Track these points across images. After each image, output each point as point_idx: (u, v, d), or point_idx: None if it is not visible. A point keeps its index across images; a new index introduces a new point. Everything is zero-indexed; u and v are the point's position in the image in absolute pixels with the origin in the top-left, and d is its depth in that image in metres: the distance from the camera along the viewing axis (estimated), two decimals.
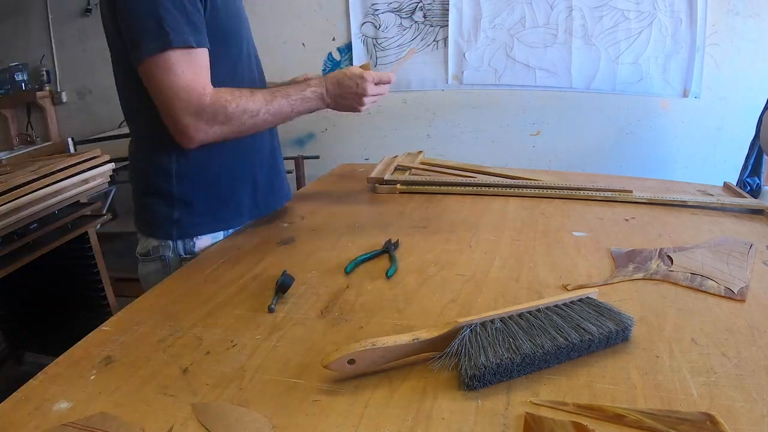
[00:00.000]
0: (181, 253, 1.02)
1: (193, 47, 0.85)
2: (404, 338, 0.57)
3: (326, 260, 0.91)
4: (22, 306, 1.95)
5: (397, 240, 0.96)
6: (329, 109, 1.02)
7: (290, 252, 0.96)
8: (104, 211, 2.21)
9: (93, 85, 3.07)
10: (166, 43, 0.83)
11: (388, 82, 1.04)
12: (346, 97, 1.00)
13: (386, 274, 0.84)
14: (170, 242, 1.02)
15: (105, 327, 0.71)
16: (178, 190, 1.00)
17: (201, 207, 1.02)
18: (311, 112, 1.01)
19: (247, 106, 0.91)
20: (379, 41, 2.63)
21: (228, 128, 0.91)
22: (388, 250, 0.92)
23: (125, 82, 0.96)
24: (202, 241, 1.03)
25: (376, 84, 1.01)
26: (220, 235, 1.05)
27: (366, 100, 1.01)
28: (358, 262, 0.88)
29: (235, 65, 1.00)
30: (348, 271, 0.85)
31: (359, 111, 1.03)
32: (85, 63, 3.04)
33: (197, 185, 1.01)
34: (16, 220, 1.47)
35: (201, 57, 0.88)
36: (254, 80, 1.07)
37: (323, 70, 2.74)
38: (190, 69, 0.86)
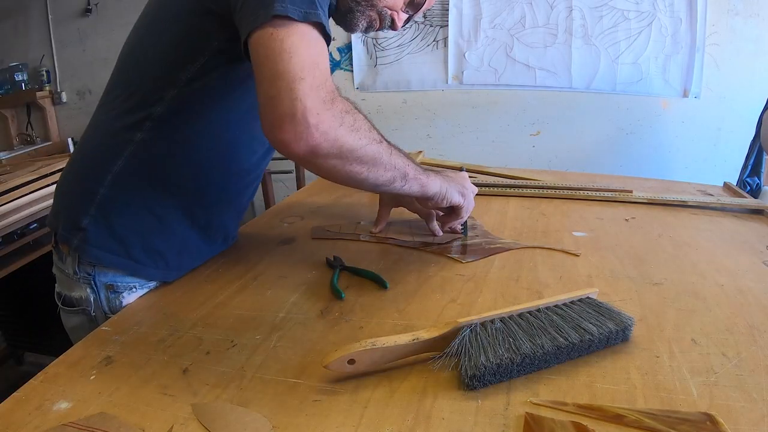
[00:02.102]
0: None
1: (324, 32, 0.67)
2: (404, 338, 0.57)
3: (326, 260, 0.91)
4: (22, 306, 1.95)
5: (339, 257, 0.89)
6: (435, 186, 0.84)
7: (290, 252, 0.96)
8: None
9: (93, 85, 3.08)
10: (313, 17, 0.65)
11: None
12: (451, 179, 0.88)
13: (384, 287, 0.80)
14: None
15: (105, 327, 0.72)
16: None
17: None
18: (420, 186, 0.81)
19: (372, 126, 0.72)
20: (379, 41, 2.63)
21: (354, 141, 0.67)
22: (334, 267, 0.85)
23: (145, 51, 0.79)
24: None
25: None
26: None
27: (467, 189, 0.90)
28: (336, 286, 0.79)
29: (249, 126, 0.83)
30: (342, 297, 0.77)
31: (460, 199, 0.89)
32: (85, 63, 3.04)
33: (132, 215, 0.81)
34: (16, 220, 1.48)
35: (327, 51, 0.69)
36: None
37: None
38: (324, 58, 0.67)
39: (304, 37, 0.64)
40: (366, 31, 0.84)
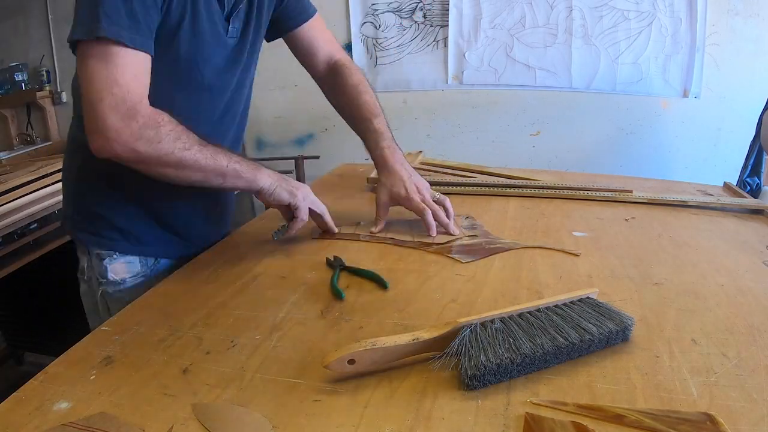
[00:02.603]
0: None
1: (135, 48, 0.73)
2: (404, 338, 0.57)
3: (326, 260, 0.91)
4: (22, 306, 1.96)
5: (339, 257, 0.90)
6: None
7: (290, 252, 0.96)
8: None
9: None
10: (96, 30, 0.70)
11: (319, 215, 0.98)
12: (286, 180, 0.93)
13: (385, 287, 0.80)
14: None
15: (105, 327, 0.71)
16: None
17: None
18: (246, 182, 0.87)
19: (182, 136, 0.78)
20: (379, 41, 2.63)
21: (153, 151, 0.76)
22: (334, 267, 0.86)
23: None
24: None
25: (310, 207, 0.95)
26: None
27: (302, 191, 0.93)
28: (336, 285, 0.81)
29: (190, 104, 0.90)
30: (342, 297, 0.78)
31: (289, 198, 0.92)
32: None
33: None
34: (16, 220, 1.48)
35: (143, 61, 0.76)
36: (221, 133, 0.97)
37: None
38: (130, 68, 0.73)
39: (101, 56, 0.72)
40: None
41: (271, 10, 1.01)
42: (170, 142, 0.77)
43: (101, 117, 0.72)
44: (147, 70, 0.77)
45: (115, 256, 0.95)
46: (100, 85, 0.72)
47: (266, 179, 0.89)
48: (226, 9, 0.90)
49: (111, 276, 0.94)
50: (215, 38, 0.90)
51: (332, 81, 1.12)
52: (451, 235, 0.98)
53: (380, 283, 0.80)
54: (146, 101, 0.76)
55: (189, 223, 1.02)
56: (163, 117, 0.78)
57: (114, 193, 0.94)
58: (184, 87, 0.90)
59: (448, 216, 0.99)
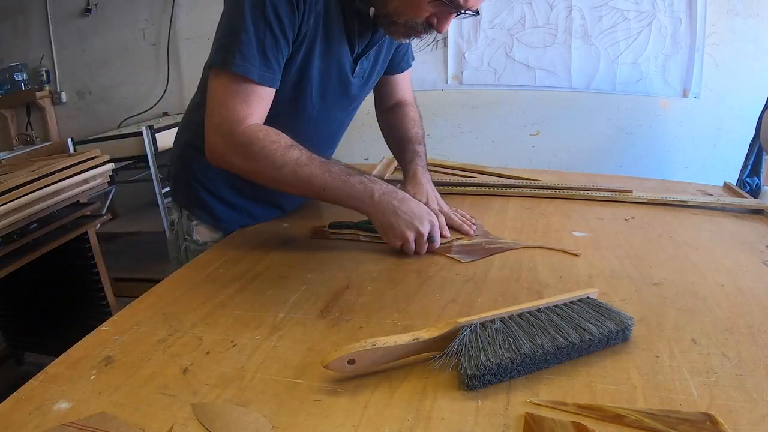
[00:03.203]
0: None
1: (252, 81, 0.84)
2: (404, 338, 0.57)
3: (326, 260, 0.91)
4: (22, 306, 1.95)
5: None
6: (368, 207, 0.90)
7: (290, 252, 0.96)
8: (104, 212, 2.21)
9: (93, 85, 3.08)
10: (229, 65, 0.83)
11: (433, 246, 0.91)
12: (398, 212, 0.87)
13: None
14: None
15: (105, 327, 0.71)
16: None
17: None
18: (349, 204, 0.89)
19: (275, 155, 0.85)
20: None
21: (248, 166, 0.87)
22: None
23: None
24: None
25: (438, 234, 0.90)
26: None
27: (417, 227, 0.88)
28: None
29: (284, 121, 0.95)
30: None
31: (396, 241, 0.89)
32: (85, 63, 3.04)
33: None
34: (16, 220, 1.47)
35: (260, 92, 0.86)
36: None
37: None
38: (241, 95, 0.85)
39: (225, 84, 0.85)
40: (408, 39, 0.95)
41: (391, 53, 1.11)
42: (260, 161, 0.86)
43: (209, 132, 0.88)
44: (263, 99, 0.87)
45: (197, 222, 1.10)
46: (214, 105, 0.87)
47: (365, 205, 0.88)
48: (356, 50, 0.99)
49: (195, 237, 1.10)
50: (338, 78, 0.99)
51: (396, 111, 1.22)
52: (465, 234, 0.99)
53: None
54: (250, 120, 0.86)
55: (254, 209, 1.12)
56: (258, 135, 0.85)
57: (205, 175, 1.07)
58: (295, 115, 0.98)
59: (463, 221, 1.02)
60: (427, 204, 0.99)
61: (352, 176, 0.88)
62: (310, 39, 0.90)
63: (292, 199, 1.15)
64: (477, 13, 0.88)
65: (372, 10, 0.93)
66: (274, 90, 0.89)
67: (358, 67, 1.00)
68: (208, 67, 0.89)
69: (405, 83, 1.23)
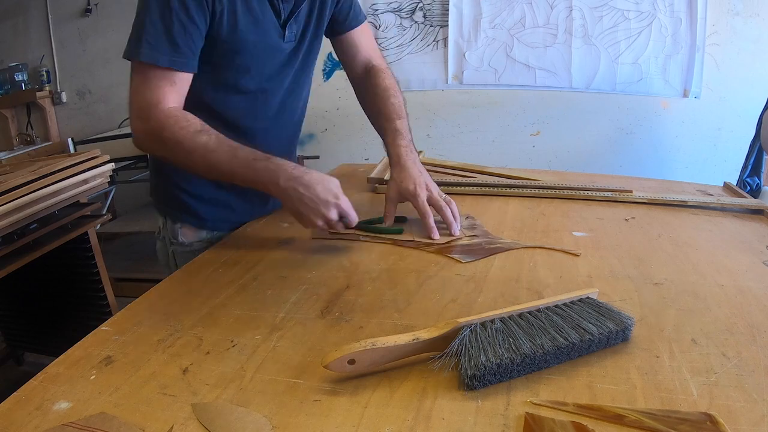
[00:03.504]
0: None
1: (161, 67, 0.87)
2: (404, 338, 0.57)
3: (326, 260, 0.91)
4: (22, 306, 1.95)
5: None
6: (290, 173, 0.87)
7: (290, 252, 0.96)
8: (104, 212, 2.21)
9: (93, 85, 3.08)
10: (137, 54, 0.87)
11: (350, 224, 0.91)
12: (303, 199, 0.87)
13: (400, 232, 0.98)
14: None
15: (105, 327, 0.71)
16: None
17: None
18: (258, 188, 0.89)
19: (185, 141, 0.86)
20: (379, 41, 2.63)
21: (162, 152, 0.92)
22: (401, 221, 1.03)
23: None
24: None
25: (340, 216, 0.89)
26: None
27: (324, 214, 0.87)
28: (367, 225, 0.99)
29: (247, 104, 0.99)
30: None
31: (309, 225, 0.90)
32: (85, 63, 3.04)
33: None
34: (16, 220, 1.47)
35: (171, 77, 0.88)
36: (278, 129, 1.09)
37: (323, 71, 2.74)
38: (153, 81, 0.87)
39: (138, 71, 0.89)
40: None
41: (330, 14, 1.08)
42: (171, 147, 0.88)
43: (130, 119, 0.91)
44: (175, 83, 0.89)
45: (180, 224, 1.12)
46: (131, 92, 0.90)
47: (269, 190, 0.88)
48: (282, 16, 0.98)
49: (181, 239, 1.12)
50: (269, 46, 0.98)
51: (366, 82, 1.17)
52: (452, 235, 0.98)
53: (395, 232, 0.98)
54: (162, 107, 0.88)
55: (235, 202, 1.13)
56: (170, 121, 0.87)
57: (180, 178, 1.09)
58: (240, 90, 1.00)
59: (454, 217, 1.00)
60: (415, 193, 0.97)
61: (258, 161, 0.87)
62: (229, 14, 0.91)
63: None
64: None
65: None
66: (189, 74, 0.91)
67: (287, 31, 0.99)
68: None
69: (365, 41, 1.18)
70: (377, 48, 1.22)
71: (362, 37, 1.17)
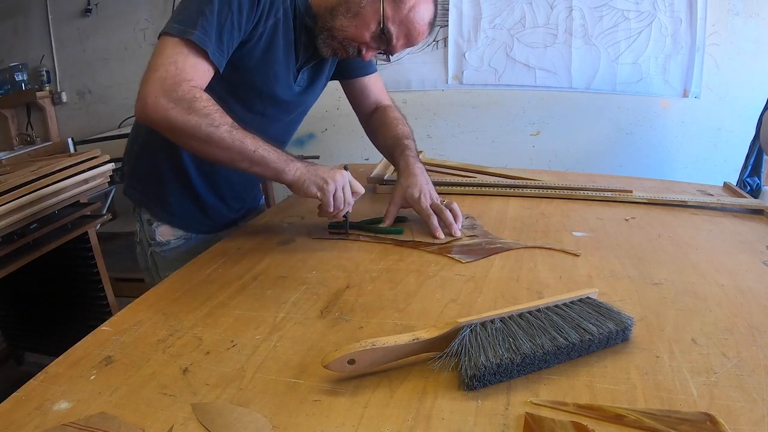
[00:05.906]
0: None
1: (206, 55, 0.87)
2: (404, 338, 0.57)
3: (326, 260, 0.91)
4: (22, 306, 1.95)
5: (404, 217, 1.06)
6: (297, 167, 0.92)
7: (290, 252, 0.96)
8: (104, 212, 2.21)
9: (93, 85, 3.08)
10: (189, 34, 0.86)
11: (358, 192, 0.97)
12: (316, 173, 0.92)
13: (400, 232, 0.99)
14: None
15: (105, 327, 0.71)
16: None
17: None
18: (272, 169, 0.91)
19: (214, 114, 0.87)
20: None
21: (184, 118, 0.85)
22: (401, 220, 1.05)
23: None
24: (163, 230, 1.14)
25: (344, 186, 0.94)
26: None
27: (334, 183, 0.92)
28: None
29: (236, 108, 0.99)
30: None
31: (317, 192, 0.92)
32: (85, 63, 3.04)
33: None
34: (16, 220, 1.47)
35: (207, 66, 0.89)
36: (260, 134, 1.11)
37: None
38: (192, 60, 0.87)
39: (180, 47, 0.86)
40: (334, 56, 1.02)
41: (334, 67, 1.15)
42: (200, 117, 0.85)
43: (149, 83, 0.85)
44: (206, 72, 0.89)
45: (158, 223, 1.13)
46: (163, 60, 0.85)
47: (294, 172, 0.91)
48: (299, 61, 1.04)
49: (159, 238, 1.13)
50: (284, 81, 1.03)
51: (375, 114, 1.23)
52: (452, 235, 0.98)
53: (395, 232, 0.99)
54: (194, 84, 0.86)
55: (212, 205, 1.16)
56: (202, 95, 0.87)
57: (161, 175, 1.10)
58: (245, 105, 1.02)
59: (455, 219, 1.01)
60: (419, 199, 1.02)
61: (276, 148, 0.92)
62: (267, 40, 0.96)
63: (236, 193, 1.19)
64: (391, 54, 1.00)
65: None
66: (215, 72, 0.91)
67: (300, 75, 1.06)
68: (161, 36, 0.89)
69: (376, 86, 1.23)
70: (386, 92, 1.27)
71: (375, 82, 1.23)
